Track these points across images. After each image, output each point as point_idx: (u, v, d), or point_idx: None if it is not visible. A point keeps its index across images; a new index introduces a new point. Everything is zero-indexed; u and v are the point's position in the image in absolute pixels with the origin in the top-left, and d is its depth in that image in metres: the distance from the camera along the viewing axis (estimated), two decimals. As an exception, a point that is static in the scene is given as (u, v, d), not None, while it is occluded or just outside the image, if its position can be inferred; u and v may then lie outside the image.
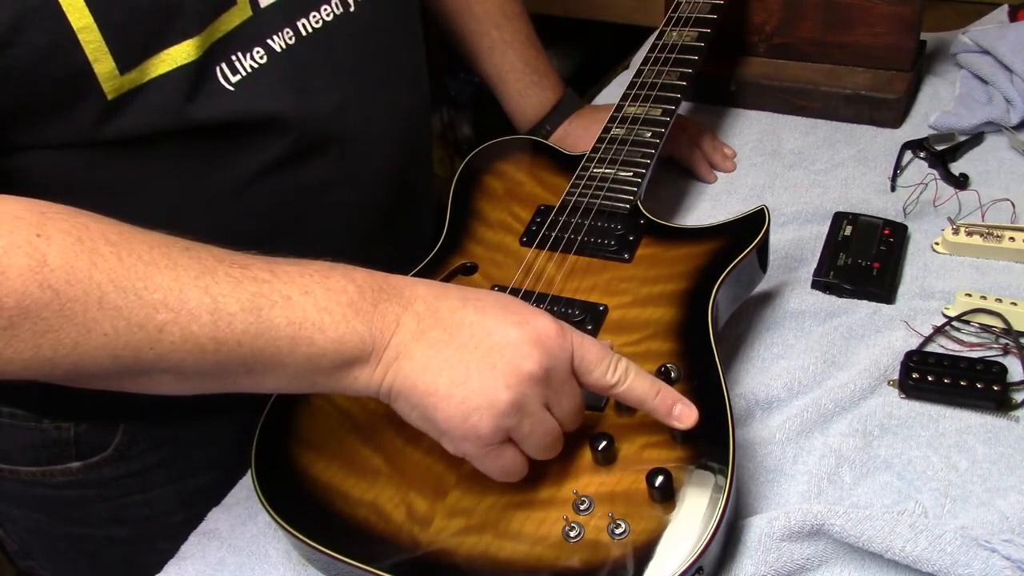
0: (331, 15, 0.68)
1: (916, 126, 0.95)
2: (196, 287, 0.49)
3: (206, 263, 0.50)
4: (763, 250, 0.71)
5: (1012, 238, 0.77)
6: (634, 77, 0.87)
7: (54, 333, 0.47)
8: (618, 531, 0.54)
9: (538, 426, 0.53)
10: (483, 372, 0.52)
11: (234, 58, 0.62)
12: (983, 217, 0.82)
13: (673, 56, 0.87)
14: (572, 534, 0.55)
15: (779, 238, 0.81)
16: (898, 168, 0.89)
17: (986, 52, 0.96)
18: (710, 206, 0.90)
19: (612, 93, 1.09)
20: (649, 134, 0.81)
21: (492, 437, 0.52)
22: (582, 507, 0.56)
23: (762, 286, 0.76)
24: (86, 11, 0.54)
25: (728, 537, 0.58)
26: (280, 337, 0.50)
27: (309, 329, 0.50)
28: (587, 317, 0.67)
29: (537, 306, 0.68)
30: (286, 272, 0.52)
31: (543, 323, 0.54)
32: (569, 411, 0.55)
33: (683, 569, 0.52)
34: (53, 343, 0.47)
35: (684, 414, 0.56)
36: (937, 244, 0.80)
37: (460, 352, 0.52)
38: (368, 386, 0.53)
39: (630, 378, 0.55)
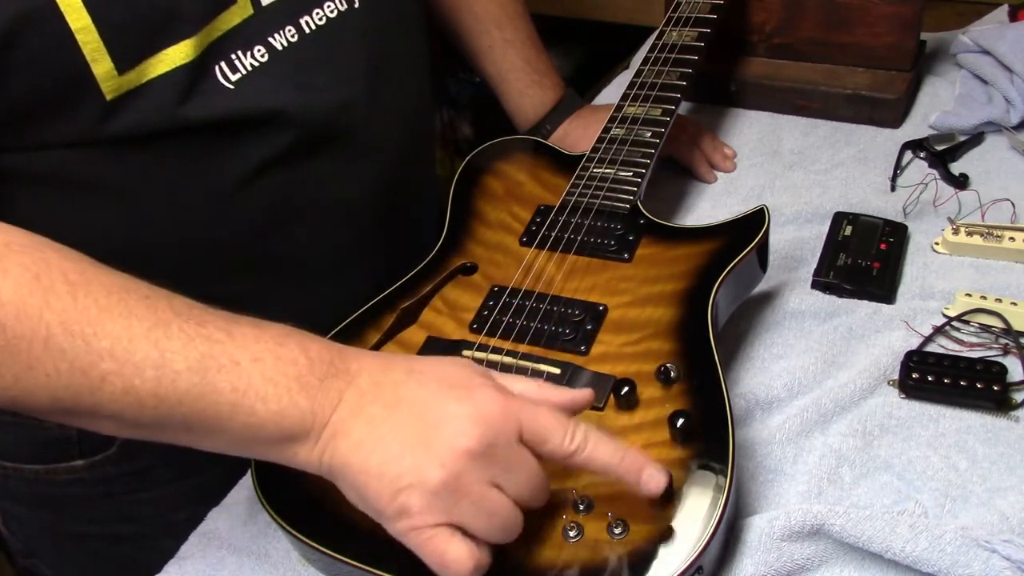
0: (335, 12, 0.68)
1: (916, 126, 0.95)
2: (146, 340, 0.48)
3: (162, 315, 0.49)
4: (763, 250, 0.71)
5: (1012, 238, 0.77)
6: (634, 77, 0.87)
7: None
8: (618, 531, 0.54)
9: (484, 507, 0.49)
10: (416, 450, 0.49)
11: (234, 56, 0.62)
12: (983, 217, 0.82)
13: (673, 56, 0.87)
14: (572, 534, 0.55)
15: (779, 238, 0.81)
16: (898, 168, 0.89)
17: (986, 52, 0.96)
18: (710, 206, 0.90)
19: (612, 93, 1.09)
20: (649, 134, 0.81)
21: (424, 519, 0.49)
22: (582, 507, 0.56)
23: (762, 286, 0.76)
24: (84, 12, 0.54)
25: (728, 537, 0.58)
26: (221, 402, 0.49)
27: (252, 398, 0.49)
28: (587, 317, 0.67)
29: (536, 306, 0.68)
30: (242, 335, 0.50)
31: (486, 396, 0.50)
32: (526, 486, 0.51)
33: (683, 569, 0.52)
34: None
35: (654, 480, 0.52)
36: (937, 244, 0.80)
37: (396, 429, 0.50)
38: (308, 463, 0.51)
39: (590, 445, 0.51)
